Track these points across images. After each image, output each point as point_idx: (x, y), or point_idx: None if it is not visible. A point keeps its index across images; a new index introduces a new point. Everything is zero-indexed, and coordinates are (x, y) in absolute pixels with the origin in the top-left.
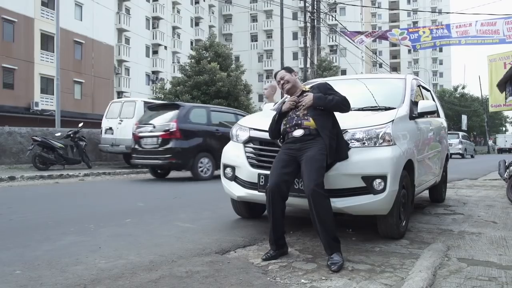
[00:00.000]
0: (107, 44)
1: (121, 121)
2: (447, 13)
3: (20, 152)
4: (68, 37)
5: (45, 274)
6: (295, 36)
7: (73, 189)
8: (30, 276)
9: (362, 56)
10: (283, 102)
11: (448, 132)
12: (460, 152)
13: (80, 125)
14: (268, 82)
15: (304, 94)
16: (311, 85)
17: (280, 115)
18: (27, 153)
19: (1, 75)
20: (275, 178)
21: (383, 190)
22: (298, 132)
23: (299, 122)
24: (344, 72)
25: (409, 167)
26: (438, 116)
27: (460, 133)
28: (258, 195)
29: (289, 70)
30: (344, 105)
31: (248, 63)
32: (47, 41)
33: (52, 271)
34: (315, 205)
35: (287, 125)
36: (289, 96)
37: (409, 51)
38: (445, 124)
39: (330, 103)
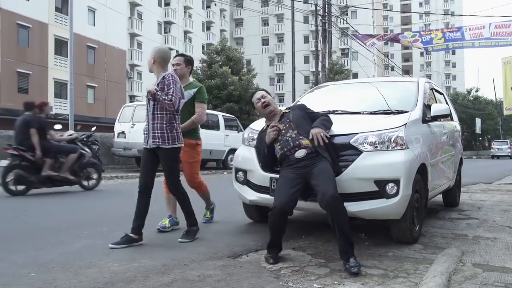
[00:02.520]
0: (120, 48)
1: (134, 125)
2: (460, 15)
3: None
4: (81, 42)
5: (59, 276)
6: (306, 40)
7: (86, 192)
8: (44, 279)
9: (374, 59)
10: (262, 132)
11: (500, 140)
12: (509, 154)
13: (93, 129)
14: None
15: (284, 119)
16: (288, 106)
17: (269, 146)
18: None
19: (16, 80)
20: (284, 197)
21: (396, 194)
22: (301, 153)
23: (297, 142)
24: (355, 76)
25: (422, 171)
26: (452, 119)
27: (508, 140)
28: (270, 199)
29: (266, 91)
30: (331, 124)
31: (260, 66)
32: (60, 46)
33: (66, 274)
34: (336, 211)
35: (285, 149)
36: (265, 123)
37: (422, 54)
38: (458, 127)
39: (330, 125)
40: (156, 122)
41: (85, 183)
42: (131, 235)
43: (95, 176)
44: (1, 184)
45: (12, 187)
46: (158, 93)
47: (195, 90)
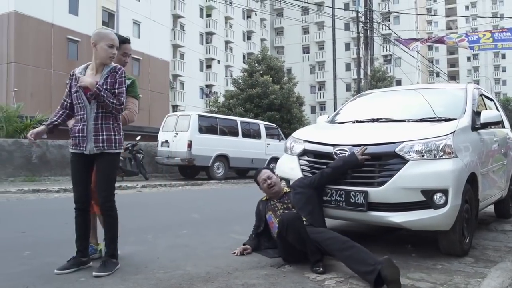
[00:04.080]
0: (163, 59)
1: (177, 134)
2: (510, 17)
3: None
4: None
5: (107, 282)
6: (347, 47)
7: (131, 200)
8: (93, 284)
9: (418, 66)
10: (262, 201)
11: None
12: None
13: (138, 138)
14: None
15: (284, 198)
16: (285, 185)
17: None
18: None
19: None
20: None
21: (445, 204)
22: None
23: None
24: (399, 82)
25: (472, 181)
26: (503, 126)
27: None
28: None
29: (272, 170)
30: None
31: (300, 75)
32: None
33: (114, 279)
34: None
35: None
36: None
37: (468, 58)
38: (511, 135)
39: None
40: (101, 122)
41: None
42: (80, 258)
43: None
44: None
45: None
46: (103, 92)
47: (128, 82)
